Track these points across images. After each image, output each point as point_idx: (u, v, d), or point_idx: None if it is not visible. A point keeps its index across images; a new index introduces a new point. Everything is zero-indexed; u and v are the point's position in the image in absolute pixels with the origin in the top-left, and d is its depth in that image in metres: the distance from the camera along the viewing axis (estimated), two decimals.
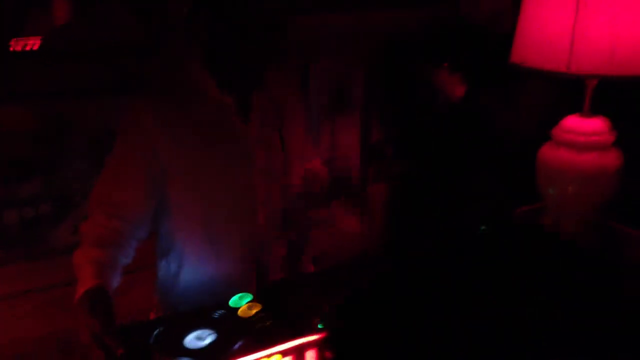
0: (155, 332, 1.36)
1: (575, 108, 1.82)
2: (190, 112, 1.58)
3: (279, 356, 1.28)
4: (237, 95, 1.60)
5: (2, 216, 1.98)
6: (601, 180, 1.79)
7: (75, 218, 2.12)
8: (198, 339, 1.36)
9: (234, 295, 1.51)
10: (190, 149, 1.57)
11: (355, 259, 1.87)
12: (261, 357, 0.98)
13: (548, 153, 1.86)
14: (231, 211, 1.63)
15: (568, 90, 2.09)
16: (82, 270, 1.45)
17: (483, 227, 1.34)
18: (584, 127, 1.79)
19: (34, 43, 1.99)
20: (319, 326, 1.42)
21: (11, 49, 1.96)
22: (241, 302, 1.50)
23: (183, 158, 1.57)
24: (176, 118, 1.56)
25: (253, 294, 1.51)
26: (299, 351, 0.99)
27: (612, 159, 1.79)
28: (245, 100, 1.62)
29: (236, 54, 1.52)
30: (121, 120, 1.61)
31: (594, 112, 1.79)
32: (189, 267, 1.69)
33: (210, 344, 1.35)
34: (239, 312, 1.47)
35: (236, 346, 1.33)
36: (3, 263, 2.03)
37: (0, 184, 1.97)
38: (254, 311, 1.47)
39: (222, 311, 1.47)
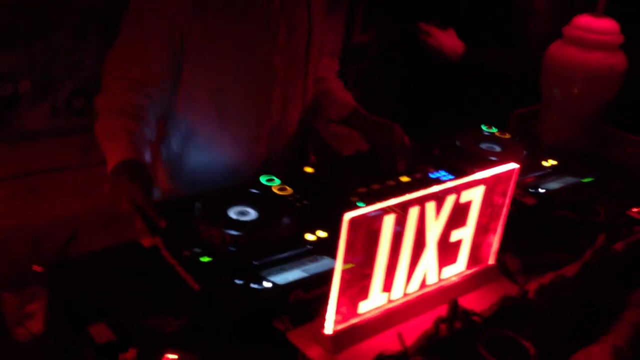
0: (197, 206, 1.28)
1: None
2: None
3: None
4: None
5: None
6: (607, 80, 1.84)
7: (54, 100, 1.94)
8: (241, 213, 1.30)
9: (243, 179, 1.47)
10: (211, 14, 1.45)
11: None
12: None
13: (557, 51, 1.88)
14: (246, 87, 1.55)
15: None
16: (113, 141, 1.32)
17: None
18: (596, 25, 1.81)
19: None
20: (358, 204, 1.40)
21: None
22: (271, 185, 1.45)
23: (203, 24, 1.44)
24: None
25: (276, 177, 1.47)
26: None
27: (619, 60, 1.83)
28: None
29: None
30: None
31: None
32: (197, 146, 1.61)
33: (256, 218, 1.29)
34: (273, 192, 1.42)
35: (282, 222, 1.29)
36: None
37: None
38: (287, 191, 1.43)
39: (257, 190, 1.41)
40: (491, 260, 1.18)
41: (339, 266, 0.90)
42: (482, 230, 1.12)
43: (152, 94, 1.46)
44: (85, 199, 1.92)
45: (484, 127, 1.92)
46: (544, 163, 1.74)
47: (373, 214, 0.90)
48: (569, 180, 1.67)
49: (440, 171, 1.62)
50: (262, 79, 1.56)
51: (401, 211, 0.93)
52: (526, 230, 1.44)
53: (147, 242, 1.20)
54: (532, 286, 1.18)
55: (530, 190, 1.59)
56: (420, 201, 0.96)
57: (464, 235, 1.08)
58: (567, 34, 1.85)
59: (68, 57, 1.90)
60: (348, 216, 0.86)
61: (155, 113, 1.48)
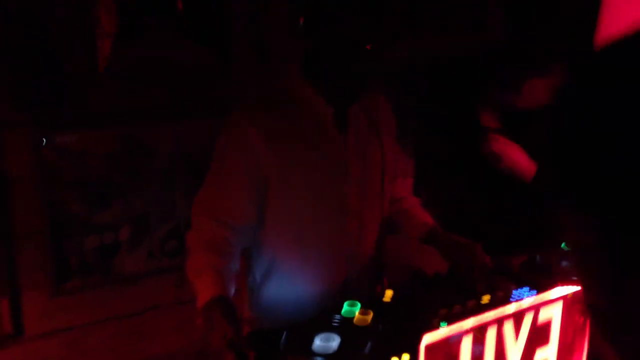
0: (282, 337, 1.34)
1: None
2: (289, 121, 1.59)
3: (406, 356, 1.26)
4: (336, 105, 1.62)
5: (84, 242, 1.96)
6: None
7: (150, 244, 2.10)
8: (325, 341, 1.34)
9: (322, 304, 1.50)
10: (290, 158, 1.58)
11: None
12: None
13: None
14: (322, 218, 1.63)
15: None
16: (202, 278, 1.43)
17: None
18: None
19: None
20: (442, 324, 1.41)
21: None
22: (353, 310, 1.48)
23: (283, 167, 1.57)
24: (276, 128, 1.57)
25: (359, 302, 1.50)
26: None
27: None
28: (342, 111, 1.64)
29: (342, 66, 1.55)
30: (223, 131, 1.61)
31: None
32: (277, 277, 1.68)
33: (339, 347, 1.32)
34: (355, 320, 1.45)
35: (367, 349, 1.31)
36: (81, 290, 2.00)
37: (82, 209, 1.96)
38: (369, 316, 1.45)
39: (339, 317, 1.44)
40: None
41: None
42: (568, 349, 1.10)
43: (238, 228, 1.58)
44: (180, 336, 2.02)
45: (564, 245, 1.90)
46: None
47: (451, 339, 0.92)
48: None
49: (523, 288, 1.60)
50: (337, 210, 1.64)
51: (478, 332, 0.95)
52: None
53: None
54: None
55: None
56: (498, 321, 0.97)
57: (548, 354, 1.07)
58: None
59: (161, 203, 2.08)
60: (424, 342, 0.89)
61: (240, 245, 1.59)
